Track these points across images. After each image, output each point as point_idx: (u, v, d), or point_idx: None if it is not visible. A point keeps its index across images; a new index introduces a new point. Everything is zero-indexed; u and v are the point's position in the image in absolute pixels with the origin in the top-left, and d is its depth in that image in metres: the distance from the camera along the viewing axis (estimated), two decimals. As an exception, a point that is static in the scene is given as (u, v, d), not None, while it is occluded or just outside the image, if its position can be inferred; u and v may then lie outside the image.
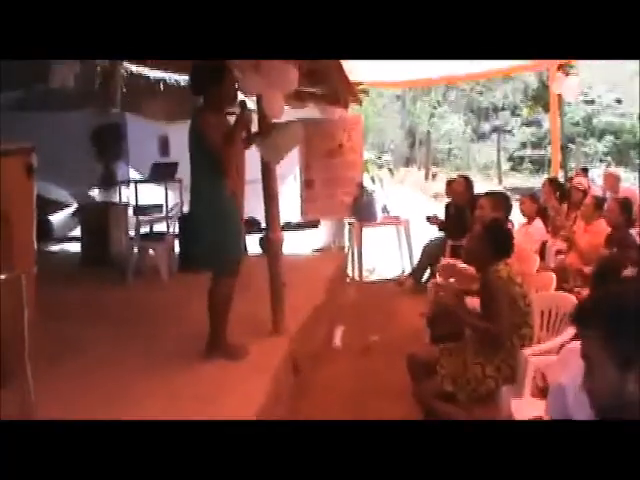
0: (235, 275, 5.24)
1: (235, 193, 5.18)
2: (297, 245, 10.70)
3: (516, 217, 7.89)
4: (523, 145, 30.99)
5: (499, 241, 4.70)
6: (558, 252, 7.62)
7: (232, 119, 5.20)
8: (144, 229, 9.10)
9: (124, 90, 10.80)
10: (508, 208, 6.22)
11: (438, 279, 6.59)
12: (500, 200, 6.18)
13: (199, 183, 5.15)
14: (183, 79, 10.90)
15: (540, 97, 28.22)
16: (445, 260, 7.64)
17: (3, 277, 4.19)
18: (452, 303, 4.90)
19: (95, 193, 10.42)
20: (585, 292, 5.50)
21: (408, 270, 10.27)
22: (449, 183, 10.02)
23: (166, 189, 8.95)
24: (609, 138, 28.51)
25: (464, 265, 5.81)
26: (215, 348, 5.24)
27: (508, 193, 7.73)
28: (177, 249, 9.09)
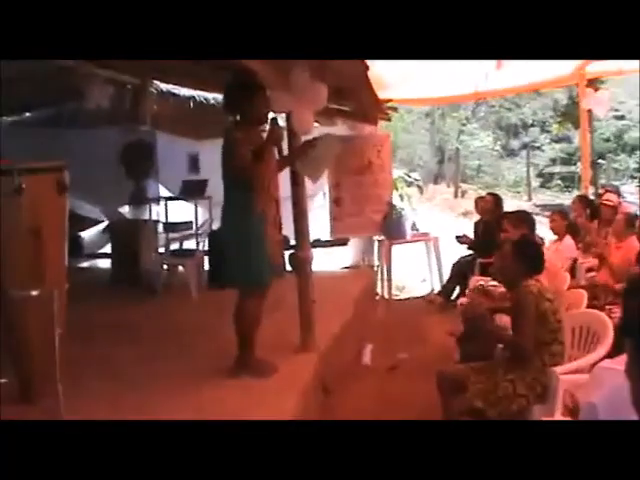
0: (261, 296, 5.22)
1: (265, 212, 5.12)
2: (326, 262, 10.70)
3: (546, 234, 7.84)
4: (553, 161, 30.82)
5: (530, 257, 4.67)
6: (589, 269, 7.55)
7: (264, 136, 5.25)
8: (174, 246, 9.15)
9: (154, 107, 10.88)
10: (531, 225, 6.17)
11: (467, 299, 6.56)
12: (520, 218, 6.13)
13: (228, 200, 5.18)
14: (212, 97, 10.98)
15: (570, 113, 28.09)
16: (475, 279, 7.60)
17: (35, 293, 4.24)
18: (480, 314, 4.88)
19: (125, 210, 10.49)
20: (616, 309, 5.46)
21: (437, 288, 10.22)
22: (478, 200, 9.99)
23: (196, 206, 9.01)
24: (637, 153, 28.26)
25: (494, 283, 5.79)
26: (243, 366, 5.23)
27: (538, 210, 7.66)
28: (206, 266, 9.12)
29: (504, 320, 5.08)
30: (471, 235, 9.59)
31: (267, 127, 5.24)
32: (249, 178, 4.99)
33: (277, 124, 5.24)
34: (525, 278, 4.54)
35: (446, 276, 9.97)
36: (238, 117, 5.18)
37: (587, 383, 2.69)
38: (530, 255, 4.69)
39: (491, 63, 8.83)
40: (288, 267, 9.44)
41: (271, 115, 5.48)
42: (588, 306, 5.37)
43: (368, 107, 9.54)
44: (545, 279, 4.87)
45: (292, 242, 6.13)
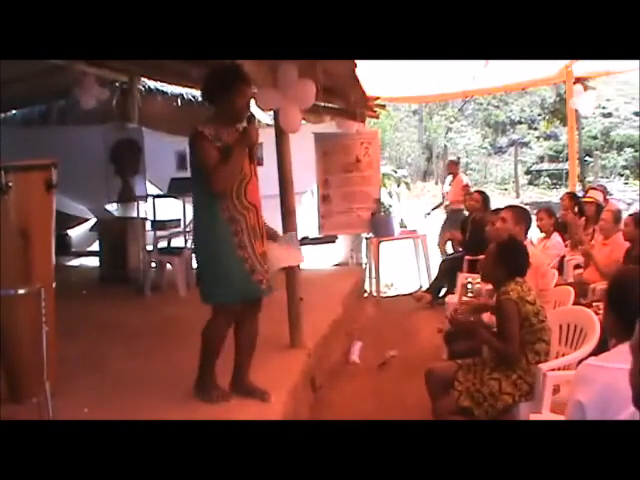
0: (226, 315, 4.74)
1: (234, 219, 4.54)
2: (315, 260, 10.70)
3: (534, 232, 7.85)
4: (541, 159, 30.84)
5: (514, 261, 4.66)
6: (577, 266, 7.58)
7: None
8: (162, 243, 9.13)
9: (141, 105, 10.87)
10: (529, 222, 6.18)
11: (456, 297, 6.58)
12: (523, 216, 6.13)
13: (196, 204, 4.74)
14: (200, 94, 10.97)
15: (557, 110, 28.16)
16: (463, 276, 7.62)
17: (22, 291, 4.23)
18: (467, 320, 4.88)
19: (114, 208, 10.47)
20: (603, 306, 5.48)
21: (426, 285, 10.23)
22: (466, 197, 10.02)
23: (184, 204, 8.98)
24: (628, 151, 28.33)
25: (479, 281, 5.80)
26: (199, 388, 4.84)
27: (527, 207, 7.67)
28: (195, 263, 9.11)
29: (489, 318, 5.10)
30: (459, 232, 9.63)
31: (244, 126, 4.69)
32: (208, 176, 4.46)
33: (254, 124, 4.68)
34: (508, 279, 4.56)
35: (434, 273, 9.99)
36: (215, 110, 4.66)
37: (573, 380, 2.70)
38: (514, 258, 4.68)
39: (479, 62, 8.83)
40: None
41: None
42: (575, 303, 5.39)
43: (356, 104, 9.55)
44: (532, 278, 4.88)
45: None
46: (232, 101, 4.52)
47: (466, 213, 11.35)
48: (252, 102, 5.18)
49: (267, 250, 4.79)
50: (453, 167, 12.81)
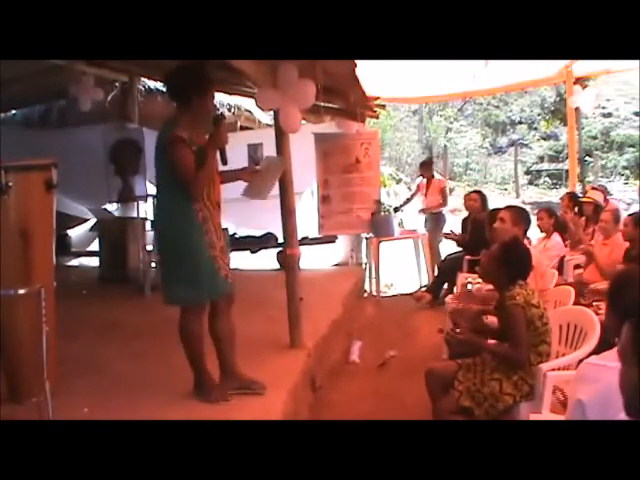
0: (198, 313, 4.73)
1: (206, 220, 4.52)
2: (315, 260, 10.70)
3: (534, 232, 7.86)
4: (541, 159, 30.83)
5: (518, 263, 4.62)
6: (577, 266, 7.58)
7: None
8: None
9: (141, 105, 10.87)
10: (528, 223, 6.17)
11: (454, 302, 6.58)
12: (522, 216, 6.12)
13: (168, 205, 4.66)
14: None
15: (557, 110, 28.15)
16: (463, 276, 7.62)
17: (22, 291, 4.22)
18: (470, 338, 4.84)
19: (114, 208, 10.47)
20: (603, 306, 5.48)
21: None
22: (465, 197, 10.03)
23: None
24: (629, 151, 28.30)
25: (479, 280, 5.80)
26: (198, 389, 4.86)
27: (527, 207, 7.66)
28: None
29: (490, 319, 5.09)
30: (458, 232, 9.64)
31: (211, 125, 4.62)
32: (186, 184, 4.41)
33: (223, 124, 4.65)
34: (512, 283, 4.53)
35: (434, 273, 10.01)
36: (182, 109, 4.56)
37: (573, 379, 2.70)
38: (517, 261, 4.63)
39: (479, 62, 8.83)
40: (276, 264, 9.51)
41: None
42: (575, 303, 5.39)
43: (356, 104, 9.55)
44: (532, 279, 4.87)
45: (280, 240, 6.10)
46: (204, 102, 4.54)
47: (445, 213, 11.40)
48: (235, 101, 5.22)
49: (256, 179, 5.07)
50: (427, 168, 12.15)
